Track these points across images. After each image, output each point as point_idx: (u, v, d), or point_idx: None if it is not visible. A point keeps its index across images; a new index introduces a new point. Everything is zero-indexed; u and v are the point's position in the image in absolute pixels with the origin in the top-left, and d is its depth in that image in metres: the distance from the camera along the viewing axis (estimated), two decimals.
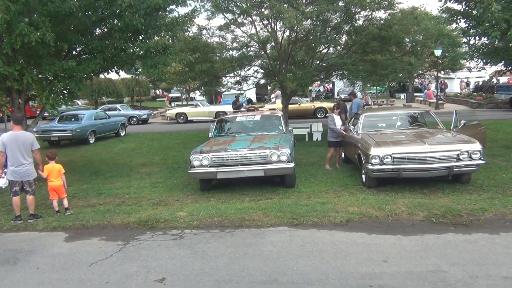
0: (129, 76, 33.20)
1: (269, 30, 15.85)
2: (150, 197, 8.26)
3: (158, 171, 10.92)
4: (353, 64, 14.45)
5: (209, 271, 4.80)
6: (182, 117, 26.42)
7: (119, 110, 26.38)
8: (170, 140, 17.50)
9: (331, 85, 51.24)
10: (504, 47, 10.29)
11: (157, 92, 56.46)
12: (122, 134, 20.12)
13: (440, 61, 27.77)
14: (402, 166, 7.55)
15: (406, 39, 16.59)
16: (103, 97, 35.98)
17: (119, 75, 11.75)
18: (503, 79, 32.00)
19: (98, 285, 4.55)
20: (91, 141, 17.63)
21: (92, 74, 9.81)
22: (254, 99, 30.77)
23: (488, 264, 4.66)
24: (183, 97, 44.54)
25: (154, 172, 10.85)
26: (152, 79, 42.57)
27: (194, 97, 43.03)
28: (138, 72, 30.69)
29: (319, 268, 4.70)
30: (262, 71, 18.45)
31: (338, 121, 9.94)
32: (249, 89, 23.00)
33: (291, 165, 7.95)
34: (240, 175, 7.91)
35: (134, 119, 26.44)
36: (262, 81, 20.41)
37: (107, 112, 21.59)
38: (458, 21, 10.44)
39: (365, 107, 21.70)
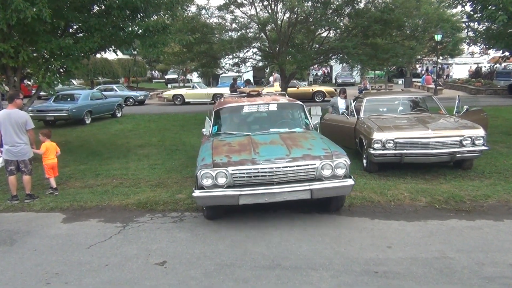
0: (125, 56, 32.73)
1: (269, 11, 15.60)
2: (149, 179, 8.14)
3: (156, 153, 10.78)
4: (354, 48, 14.29)
5: (211, 254, 4.72)
6: (179, 99, 26.17)
7: (115, 90, 26.05)
8: (167, 122, 17.32)
9: (328, 69, 51.05)
10: (509, 32, 10.13)
11: (153, 73, 55.92)
12: (119, 115, 19.89)
13: (439, 46, 27.53)
14: (405, 151, 7.47)
15: (407, 24, 16.41)
16: (99, 77, 35.51)
17: (117, 54, 11.51)
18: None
19: (98, 268, 4.46)
20: (87, 122, 17.42)
21: (89, 53, 9.58)
22: (251, 80, 30.48)
23: (494, 251, 4.61)
24: (179, 79, 44.13)
25: (152, 153, 10.72)
26: (149, 60, 42.15)
27: (191, 79, 42.69)
28: (135, 52, 30.33)
29: (323, 253, 4.63)
30: (261, 53, 18.23)
31: (342, 104, 9.79)
32: (247, 71, 22.83)
33: (351, 181, 5.46)
34: (276, 199, 5.29)
35: (131, 100, 26.14)
36: (260, 64, 20.23)
37: (103, 93, 21.30)
38: (464, 4, 10.24)
39: (363, 91, 21.61)
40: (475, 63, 41.15)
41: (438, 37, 24.28)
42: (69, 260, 4.67)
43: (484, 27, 11.04)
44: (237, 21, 15.64)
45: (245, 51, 17.51)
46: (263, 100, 7.32)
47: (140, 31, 9.16)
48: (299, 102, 7.57)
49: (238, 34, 16.12)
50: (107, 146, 12.08)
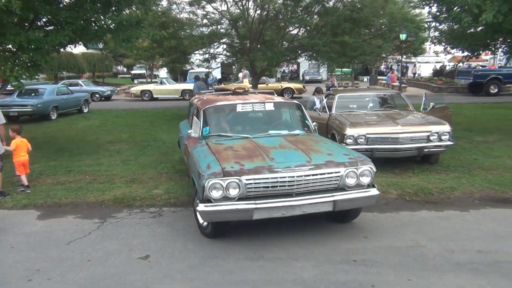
0: (90, 50, 31.93)
1: (241, 7, 15.65)
2: (123, 175, 8.06)
3: (127, 149, 10.66)
4: (324, 45, 14.54)
5: (193, 248, 4.78)
6: (147, 95, 25.85)
7: (81, 85, 25.45)
8: (136, 118, 17.09)
9: (295, 66, 51.57)
10: (471, 32, 10.62)
11: (119, 68, 54.82)
12: (85, 110, 19.45)
13: (404, 45, 28.36)
14: (376, 146, 7.75)
15: (374, 23, 16.87)
16: (63, 72, 34.48)
17: (88, 49, 11.27)
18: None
19: (80, 263, 4.43)
20: (53, 117, 16.93)
21: (59, 47, 9.35)
22: (217, 77, 30.38)
23: (462, 239, 4.90)
24: (147, 74, 43.49)
25: (123, 149, 10.59)
26: (115, 54, 41.28)
27: (158, 75, 42.16)
28: (102, 47, 29.62)
29: (304, 244, 4.78)
30: (231, 49, 18.27)
31: (318, 104, 10.01)
32: (217, 67, 22.84)
33: (376, 191, 4.97)
34: (295, 212, 4.67)
35: (97, 95, 25.58)
36: (230, 60, 20.26)
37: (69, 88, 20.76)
38: (431, 5, 10.66)
39: (331, 89, 22.01)
40: (436, 62, 42.64)
41: (403, 36, 25.01)
42: (49, 257, 4.61)
43: (449, 28, 11.52)
44: (208, 16, 15.62)
45: (215, 47, 17.52)
46: (257, 99, 6.56)
47: (113, 25, 9.01)
48: (296, 101, 6.89)
49: (209, 29, 16.11)
50: (76, 142, 11.83)
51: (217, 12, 15.95)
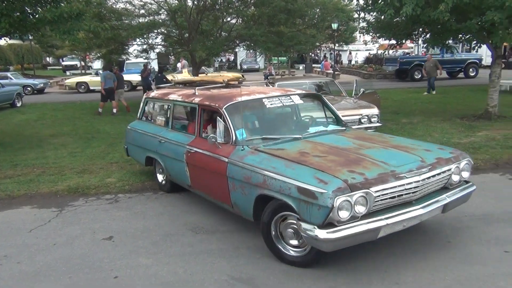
0: (18, 41, 30.32)
1: None
2: (72, 166, 8.17)
3: (72, 142, 10.64)
4: (262, 36, 15.13)
5: (154, 227, 5.17)
6: (83, 87, 25.20)
7: (11, 78, 24.24)
8: (75, 111, 16.79)
9: (233, 56, 52.06)
10: (395, 23, 11.67)
11: (48, 59, 52.26)
12: (19, 104, 18.74)
13: (336, 34, 29.76)
14: None
15: (308, 13, 17.74)
16: None
17: (23, 41, 11.00)
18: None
19: (46, 247, 4.68)
20: None
21: None
22: (156, 68, 30.09)
23: None
24: (79, 66, 41.95)
25: (68, 142, 10.56)
26: (45, 45, 39.39)
27: (91, 66, 40.83)
28: (31, 38, 28.26)
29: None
30: (170, 39, 18.36)
31: None
32: (155, 58, 22.75)
33: (473, 185, 4.61)
34: (413, 222, 4.01)
35: (29, 88, 24.54)
36: (165, 50, 20.28)
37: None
38: None
39: (269, 77, 22.75)
40: (366, 50, 44.93)
41: (334, 26, 26.28)
42: (14, 244, 4.81)
43: (375, 19, 12.52)
44: (146, 7, 15.62)
45: (154, 37, 17.54)
46: (279, 92, 5.52)
47: (53, 17, 8.95)
48: (315, 92, 5.72)
49: (146, 20, 16.12)
50: (14, 137, 11.58)
51: (154, 3, 15.99)
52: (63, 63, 45.77)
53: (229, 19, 17.62)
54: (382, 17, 11.36)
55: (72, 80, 26.37)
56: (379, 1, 10.50)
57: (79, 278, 4.01)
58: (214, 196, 5.08)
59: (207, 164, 4.93)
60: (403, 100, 16.56)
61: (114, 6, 15.71)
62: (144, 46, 18.03)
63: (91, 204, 6.10)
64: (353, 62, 44.06)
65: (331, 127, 5.43)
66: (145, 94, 7.21)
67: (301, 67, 42.20)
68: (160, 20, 16.37)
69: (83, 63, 41.33)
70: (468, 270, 3.89)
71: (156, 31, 16.48)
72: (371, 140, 4.80)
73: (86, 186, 6.80)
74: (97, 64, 37.72)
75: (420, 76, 25.17)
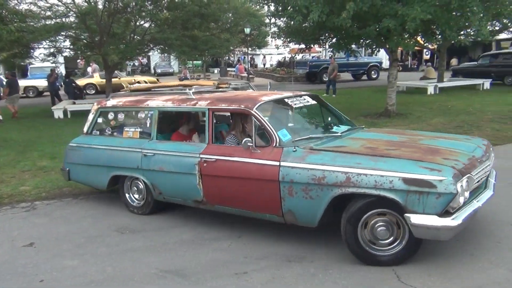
0: None
1: (88, 0, 15.34)
2: None
3: None
4: (177, 39, 15.24)
5: (77, 231, 5.14)
6: None
7: None
8: None
9: (146, 59, 51.01)
10: (303, 29, 12.48)
11: None
12: None
13: (248, 38, 30.58)
14: None
15: (222, 17, 18.18)
16: None
17: None
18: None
19: None
20: None
21: None
22: (63, 72, 28.69)
23: None
24: None
25: None
26: None
27: None
28: None
29: (181, 211, 5.53)
30: (79, 43, 17.72)
31: None
32: (63, 63, 21.74)
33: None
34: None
35: None
36: (77, 53, 19.53)
37: None
38: (269, 4, 12.23)
39: (184, 80, 22.81)
40: (278, 54, 46.58)
41: (247, 30, 27.02)
42: None
43: (285, 24, 13.27)
44: (53, 9, 14.93)
45: (62, 40, 16.81)
46: (290, 93, 5.28)
47: None
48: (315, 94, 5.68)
49: (53, 22, 15.40)
50: None
51: (61, 4, 15.34)
52: None
53: (142, 22, 17.43)
54: (292, 22, 12.07)
55: None
56: (288, 8, 11.19)
57: (2, 286, 3.93)
58: (250, 207, 4.46)
59: (242, 172, 4.34)
60: None
61: (17, 7, 14.80)
62: (51, 50, 17.22)
63: (5, 213, 5.86)
64: (267, 66, 45.43)
65: (349, 125, 5.23)
66: (96, 103, 6.11)
67: (216, 71, 42.59)
68: (69, 23, 15.72)
69: None
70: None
71: (64, 34, 15.78)
72: (408, 134, 5.00)
73: None
74: None
75: (328, 78, 26.81)
